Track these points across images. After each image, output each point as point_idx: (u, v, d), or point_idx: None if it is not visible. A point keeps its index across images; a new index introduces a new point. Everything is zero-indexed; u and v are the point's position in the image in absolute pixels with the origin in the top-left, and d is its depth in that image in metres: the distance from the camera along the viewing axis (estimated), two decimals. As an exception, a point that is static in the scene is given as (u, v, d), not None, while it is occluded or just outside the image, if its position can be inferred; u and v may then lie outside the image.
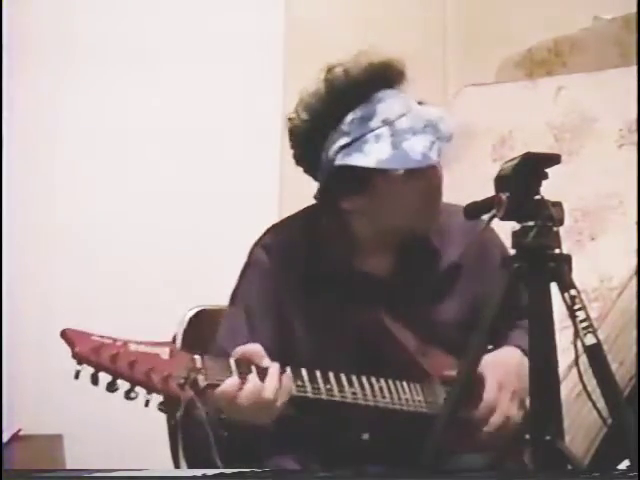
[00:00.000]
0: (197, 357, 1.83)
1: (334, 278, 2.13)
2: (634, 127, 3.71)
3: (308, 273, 2.13)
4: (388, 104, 2.05)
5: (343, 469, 2.05)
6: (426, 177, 2.08)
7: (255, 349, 1.93)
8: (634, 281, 3.38)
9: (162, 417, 2.19)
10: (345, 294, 2.12)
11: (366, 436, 2.10)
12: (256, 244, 2.19)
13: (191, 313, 2.31)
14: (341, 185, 2.07)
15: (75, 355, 1.72)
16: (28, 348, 3.36)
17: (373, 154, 2.02)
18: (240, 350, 1.93)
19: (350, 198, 2.09)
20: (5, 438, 3.14)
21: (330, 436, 2.09)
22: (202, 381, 1.82)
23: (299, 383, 1.94)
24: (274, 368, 1.91)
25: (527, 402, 1.93)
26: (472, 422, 2.02)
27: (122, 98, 3.59)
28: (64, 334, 1.73)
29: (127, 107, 3.60)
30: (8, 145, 3.34)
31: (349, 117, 2.04)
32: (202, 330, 2.24)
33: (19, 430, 3.21)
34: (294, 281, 2.13)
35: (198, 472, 1.74)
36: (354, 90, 2.05)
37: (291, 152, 2.13)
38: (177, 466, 2.17)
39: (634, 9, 3.73)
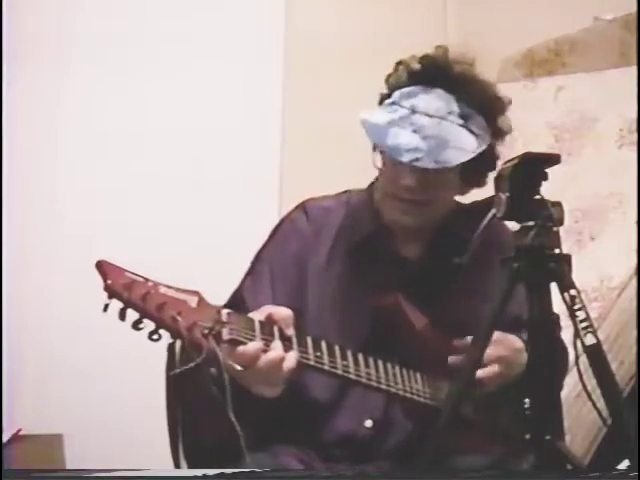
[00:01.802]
0: (224, 310, 1.82)
1: (362, 252, 2.14)
2: (634, 127, 3.71)
3: (338, 242, 2.15)
4: (428, 99, 2.07)
5: (341, 462, 2.04)
6: (406, 175, 2.06)
7: (285, 314, 1.90)
8: (634, 281, 3.38)
9: (162, 417, 2.19)
10: (369, 270, 2.13)
11: (369, 423, 2.09)
12: (297, 207, 2.22)
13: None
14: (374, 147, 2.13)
15: (107, 288, 1.71)
16: (28, 347, 3.36)
17: (375, 117, 2.07)
18: (269, 310, 1.90)
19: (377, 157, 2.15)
20: (5, 438, 3.14)
21: (331, 421, 2.08)
22: (225, 335, 1.80)
23: (317, 354, 1.91)
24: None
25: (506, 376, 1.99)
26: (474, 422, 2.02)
27: (122, 97, 3.60)
28: (99, 265, 1.72)
29: (127, 106, 3.61)
30: (8, 145, 3.34)
31: (400, 91, 2.10)
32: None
33: (19, 430, 3.21)
34: (323, 248, 2.14)
35: (198, 472, 1.73)
36: (424, 75, 2.09)
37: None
38: (177, 466, 2.16)
39: (634, 9, 3.73)
